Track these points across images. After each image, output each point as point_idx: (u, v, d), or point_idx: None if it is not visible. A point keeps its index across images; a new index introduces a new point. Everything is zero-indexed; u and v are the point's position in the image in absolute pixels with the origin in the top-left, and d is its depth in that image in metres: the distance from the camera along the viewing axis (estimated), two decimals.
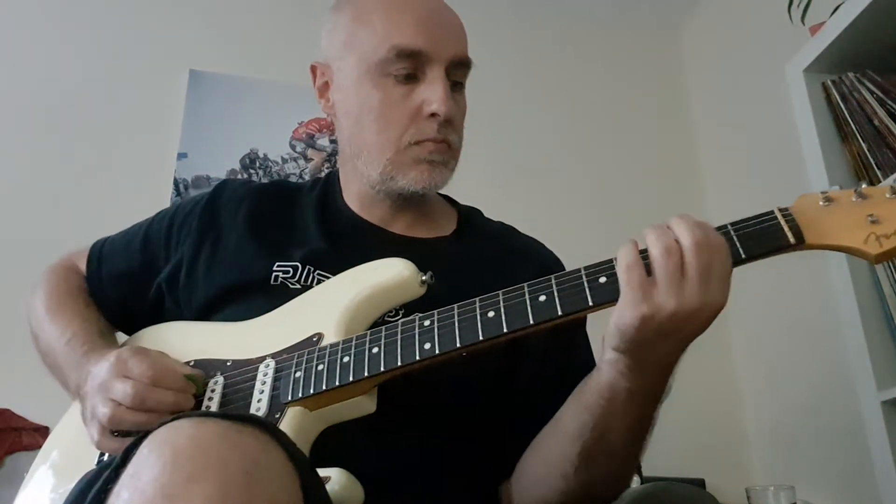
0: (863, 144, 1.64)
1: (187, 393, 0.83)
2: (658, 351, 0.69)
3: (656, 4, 2.79)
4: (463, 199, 1.12)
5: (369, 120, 0.95)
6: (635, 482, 1.90)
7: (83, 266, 1.09)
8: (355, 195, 1.03)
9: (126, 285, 1.05)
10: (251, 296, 0.93)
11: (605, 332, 0.71)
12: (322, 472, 0.70)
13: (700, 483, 2.02)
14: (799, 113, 1.78)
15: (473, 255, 0.99)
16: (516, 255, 1.02)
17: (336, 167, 1.11)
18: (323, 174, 1.16)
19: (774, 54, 2.11)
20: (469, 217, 1.07)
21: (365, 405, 0.80)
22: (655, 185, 2.63)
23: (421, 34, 0.93)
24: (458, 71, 0.96)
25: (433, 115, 0.92)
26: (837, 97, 1.71)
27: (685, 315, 0.66)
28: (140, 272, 1.04)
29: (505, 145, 2.54)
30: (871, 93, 1.65)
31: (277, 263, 0.95)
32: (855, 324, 1.58)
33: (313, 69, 1.05)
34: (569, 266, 1.02)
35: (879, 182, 1.58)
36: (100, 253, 1.09)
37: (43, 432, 1.81)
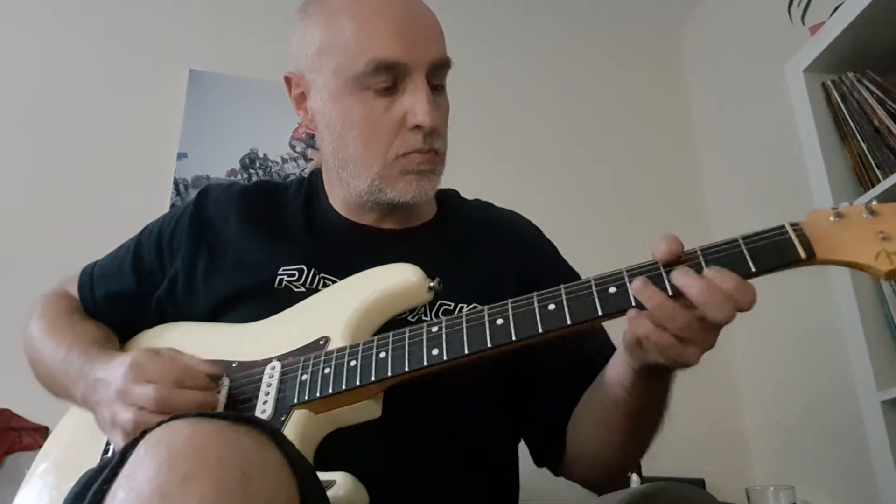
0: (862, 144, 1.64)
1: (211, 391, 0.82)
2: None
3: (656, 4, 2.79)
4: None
5: (352, 135, 0.92)
6: (635, 482, 1.90)
7: (75, 291, 1.08)
8: (342, 201, 1.01)
9: (123, 305, 1.04)
10: (254, 301, 0.93)
11: (630, 345, 0.73)
12: (327, 475, 0.70)
13: (700, 483, 2.02)
14: (799, 113, 1.78)
15: (458, 234, 1.01)
16: (499, 228, 1.04)
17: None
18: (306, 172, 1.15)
19: (774, 54, 2.11)
20: (449, 199, 1.08)
21: (371, 409, 0.80)
22: (655, 185, 2.63)
23: (398, 44, 0.89)
24: (437, 73, 0.93)
25: (417, 126, 0.90)
26: (837, 97, 1.71)
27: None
28: (135, 291, 1.03)
29: (504, 144, 2.54)
30: (871, 93, 1.65)
31: (283, 267, 0.94)
32: (855, 324, 1.58)
33: (287, 80, 1.02)
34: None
35: (879, 182, 1.58)
36: (90, 277, 1.07)
37: (43, 432, 1.81)
